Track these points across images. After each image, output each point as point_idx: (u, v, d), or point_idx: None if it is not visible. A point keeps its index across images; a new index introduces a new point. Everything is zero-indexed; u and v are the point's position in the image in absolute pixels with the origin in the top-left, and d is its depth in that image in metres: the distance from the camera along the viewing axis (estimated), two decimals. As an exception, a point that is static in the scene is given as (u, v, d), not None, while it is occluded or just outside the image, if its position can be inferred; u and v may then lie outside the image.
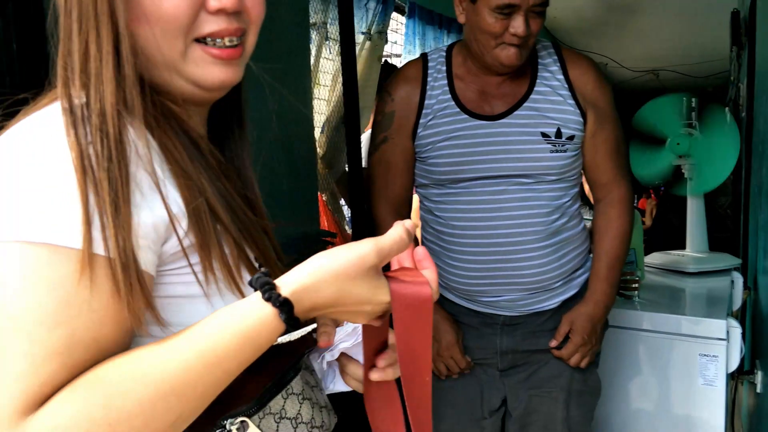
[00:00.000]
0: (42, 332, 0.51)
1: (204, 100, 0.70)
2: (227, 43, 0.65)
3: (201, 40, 0.64)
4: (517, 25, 1.37)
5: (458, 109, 1.50)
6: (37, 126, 0.57)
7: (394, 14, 3.30)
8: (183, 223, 0.60)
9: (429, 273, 0.64)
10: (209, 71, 0.65)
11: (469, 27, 1.46)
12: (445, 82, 1.54)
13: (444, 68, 1.55)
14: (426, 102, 1.53)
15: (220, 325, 0.56)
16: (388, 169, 1.58)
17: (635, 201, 3.94)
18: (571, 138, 1.48)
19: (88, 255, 0.53)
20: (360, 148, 2.27)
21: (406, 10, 3.21)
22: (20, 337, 0.51)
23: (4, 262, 0.52)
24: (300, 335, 0.61)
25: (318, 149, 2.32)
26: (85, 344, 0.53)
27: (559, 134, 1.47)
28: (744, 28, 3.38)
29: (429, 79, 1.55)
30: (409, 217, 1.70)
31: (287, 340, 0.59)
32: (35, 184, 0.53)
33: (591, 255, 1.63)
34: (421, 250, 0.66)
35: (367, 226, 2.20)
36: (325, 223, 2.39)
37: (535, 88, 1.49)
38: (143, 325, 0.58)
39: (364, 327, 0.68)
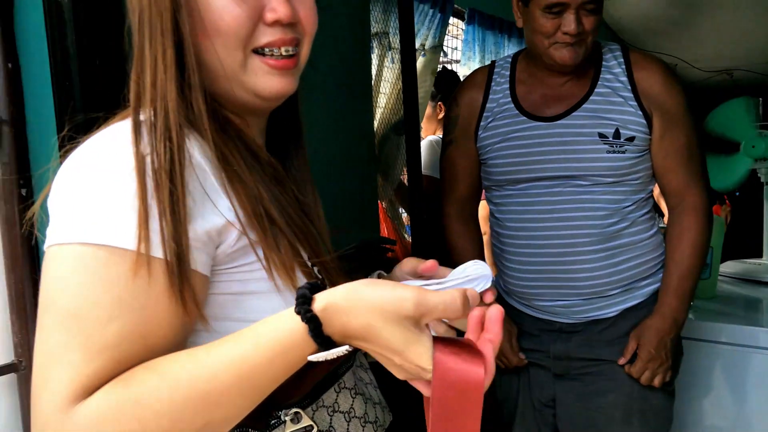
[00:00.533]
0: (97, 327, 0.55)
1: (261, 109, 0.73)
2: (283, 53, 0.68)
3: (259, 51, 0.67)
4: (568, 23, 1.38)
5: (517, 111, 1.53)
6: (105, 138, 0.61)
7: (454, 20, 3.30)
8: (238, 227, 0.63)
9: (487, 346, 0.58)
10: (267, 81, 0.68)
11: (526, 29, 1.49)
12: (507, 86, 1.57)
13: (507, 73, 1.59)
14: (487, 105, 1.58)
15: (254, 337, 0.57)
16: (454, 170, 1.65)
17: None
18: (631, 139, 1.45)
19: (142, 256, 0.56)
20: (420, 157, 2.27)
21: (466, 16, 3.20)
22: (77, 331, 0.55)
23: (66, 262, 0.57)
24: (336, 355, 0.57)
25: (377, 157, 2.34)
26: (134, 340, 0.57)
27: (617, 135, 1.45)
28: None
29: (492, 84, 1.60)
30: (475, 217, 1.70)
31: (322, 359, 0.57)
32: (97, 191, 0.57)
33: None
34: (495, 310, 0.60)
35: (426, 233, 2.21)
36: (385, 231, 2.40)
37: (596, 90, 1.49)
38: (197, 322, 0.62)
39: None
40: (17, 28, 0.95)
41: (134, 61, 0.66)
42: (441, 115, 2.87)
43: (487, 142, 1.55)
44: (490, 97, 1.58)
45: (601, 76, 1.50)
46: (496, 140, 1.54)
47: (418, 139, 2.31)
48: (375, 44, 2.34)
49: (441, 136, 2.79)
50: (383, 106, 2.40)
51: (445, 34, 2.93)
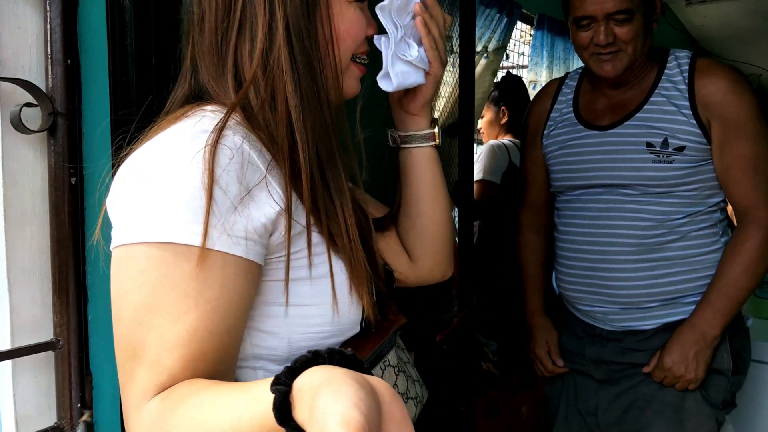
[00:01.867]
0: (167, 325, 0.59)
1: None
2: (365, 61, 0.80)
3: (355, 59, 0.78)
4: (597, 35, 1.40)
5: (576, 120, 1.57)
6: (162, 142, 0.65)
7: (523, 25, 3.25)
8: (299, 217, 0.68)
9: None
10: (355, 84, 0.79)
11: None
12: (572, 95, 1.61)
13: (575, 83, 1.64)
14: (551, 114, 1.64)
15: (240, 405, 0.54)
16: (526, 176, 1.75)
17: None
18: (680, 149, 1.41)
19: (204, 251, 0.59)
20: (473, 160, 2.26)
21: (535, 21, 3.14)
22: (149, 328, 0.59)
23: (133, 262, 0.60)
24: None
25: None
26: (203, 337, 0.60)
27: (665, 144, 1.42)
28: None
29: (560, 94, 1.65)
30: (547, 227, 1.73)
31: None
32: (157, 190, 0.61)
33: None
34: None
35: (472, 236, 2.20)
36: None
37: (651, 99, 1.47)
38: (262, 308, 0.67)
39: None
40: (80, 27, 1.01)
41: (210, 64, 0.73)
42: (504, 120, 2.84)
43: (549, 149, 1.61)
44: (555, 106, 1.63)
45: (659, 84, 1.47)
46: (555, 148, 1.59)
47: (472, 142, 2.30)
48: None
49: (503, 141, 2.79)
50: (440, 109, 2.40)
51: (510, 37, 2.90)
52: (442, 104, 2.39)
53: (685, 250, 1.45)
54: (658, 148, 1.42)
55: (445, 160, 2.38)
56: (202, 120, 0.66)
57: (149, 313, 0.59)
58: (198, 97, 0.74)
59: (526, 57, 3.37)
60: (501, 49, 2.76)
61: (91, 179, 1.06)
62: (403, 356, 0.85)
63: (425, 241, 0.93)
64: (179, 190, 0.60)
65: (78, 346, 1.03)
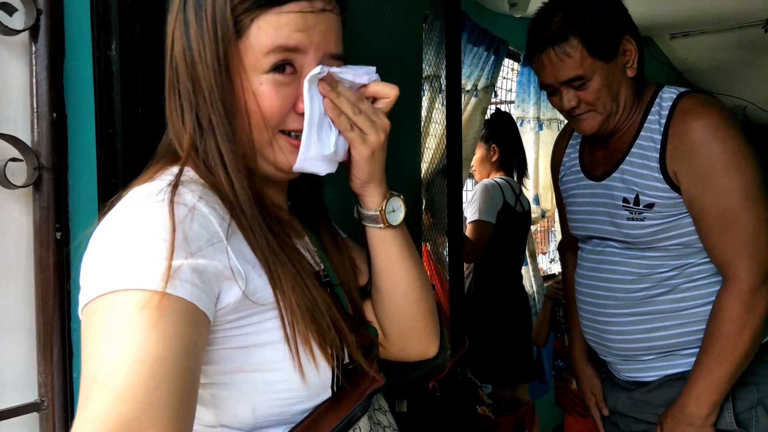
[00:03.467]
0: (119, 372, 0.56)
1: (282, 180, 0.81)
2: (297, 136, 0.76)
3: (285, 132, 0.75)
4: (560, 100, 1.39)
5: (579, 168, 1.55)
6: (142, 197, 0.66)
7: (509, 61, 3.28)
8: (251, 278, 0.67)
9: None
10: (290, 158, 0.75)
11: None
12: (580, 141, 1.58)
13: None
14: (564, 159, 1.63)
15: None
16: (559, 213, 1.79)
17: None
18: (650, 206, 1.34)
19: (155, 294, 0.59)
20: (461, 199, 2.25)
21: (522, 57, 3.18)
22: (104, 375, 0.56)
23: (95, 315, 0.59)
24: None
25: (423, 199, 2.33)
26: (157, 384, 0.56)
27: (637, 201, 1.36)
28: None
29: (572, 138, 1.61)
30: None
31: None
32: (120, 244, 0.61)
33: None
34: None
35: (463, 277, 2.16)
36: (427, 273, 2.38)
37: (631, 150, 1.40)
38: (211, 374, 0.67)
39: None
40: (66, 79, 1.00)
41: (172, 120, 0.76)
42: (495, 158, 2.85)
43: (563, 195, 1.64)
44: (567, 150, 1.62)
45: (640, 134, 1.39)
46: (566, 195, 1.61)
47: (460, 180, 2.29)
48: (426, 87, 2.36)
49: (495, 179, 2.79)
50: (432, 148, 2.40)
51: (498, 75, 2.93)
52: (433, 144, 2.39)
53: (677, 303, 1.38)
54: (631, 205, 1.37)
55: (438, 200, 2.38)
56: (162, 181, 0.68)
57: (103, 360, 0.57)
58: (173, 151, 0.76)
59: (513, 93, 3.40)
60: (490, 87, 2.79)
61: (77, 233, 1.04)
62: (384, 420, 0.81)
63: (392, 320, 0.90)
64: (138, 239, 0.61)
65: (63, 406, 0.99)
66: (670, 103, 1.36)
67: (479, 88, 2.77)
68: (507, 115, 3.03)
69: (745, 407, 1.36)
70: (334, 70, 0.74)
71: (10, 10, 0.91)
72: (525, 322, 2.83)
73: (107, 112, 1.06)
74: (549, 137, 3.38)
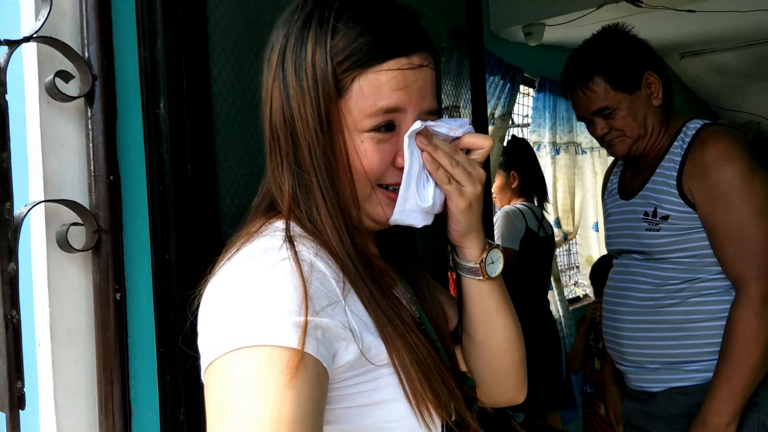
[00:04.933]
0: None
1: (375, 230, 0.82)
2: (396, 189, 0.78)
3: (383, 186, 0.77)
4: (595, 128, 1.58)
5: (616, 189, 1.70)
6: (260, 251, 0.67)
7: (525, 87, 3.31)
8: (365, 336, 0.68)
9: None
10: (388, 211, 0.77)
11: None
12: (622, 167, 1.74)
13: None
14: (608, 185, 1.78)
15: None
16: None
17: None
18: (665, 218, 1.48)
19: (297, 352, 0.59)
20: (492, 228, 2.26)
21: (537, 84, 3.21)
22: None
23: (226, 372, 0.59)
24: None
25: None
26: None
27: (655, 214, 1.50)
28: None
29: (616, 165, 1.78)
30: None
31: None
32: (244, 299, 0.62)
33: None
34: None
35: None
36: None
37: (657, 170, 1.54)
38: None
39: None
40: (119, 141, 1.01)
41: (275, 176, 0.77)
42: (515, 185, 2.86)
43: (604, 215, 1.77)
44: (611, 177, 1.77)
45: (666, 156, 1.53)
46: (605, 215, 1.76)
47: (491, 209, 2.30)
48: (446, 117, 2.38)
49: (517, 206, 2.79)
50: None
51: (514, 102, 2.95)
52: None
53: (685, 315, 1.46)
54: (650, 217, 1.50)
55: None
56: (274, 236, 0.69)
57: (243, 422, 0.57)
58: (271, 207, 0.78)
59: (528, 118, 3.42)
60: (507, 115, 2.81)
61: (133, 293, 1.04)
62: None
63: (485, 369, 0.89)
64: (267, 294, 0.61)
65: (126, 466, 0.99)
66: (694, 132, 1.51)
67: (496, 116, 2.79)
68: (524, 141, 3.05)
69: (748, 429, 1.43)
70: (430, 123, 0.75)
71: (66, 77, 0.93)
72: (555, 348, 2.81)
73: (158, 169, 1.07)
74: (566, 161, 3.39)
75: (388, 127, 0.72)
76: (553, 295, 3.22)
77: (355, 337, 0.66)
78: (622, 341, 1.56)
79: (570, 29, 3.00)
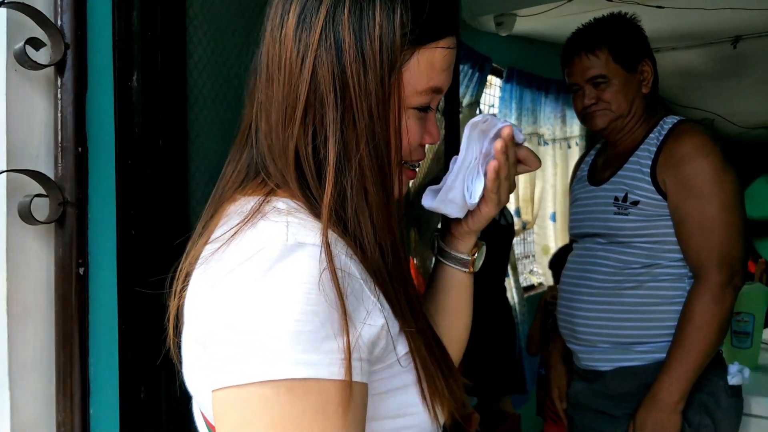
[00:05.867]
0: None
1: None
2: (417, 167, 0.75)
3: (404, 164, 0.72)
4: (584, 98, 1.62)
5: (585, 176, 1.75)
6: (266, 256, 0.56)
7: (492, 77, 3.33)
8: (392, 327, 0.62)
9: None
10: (404, 189, 0.74)
11: None
12: (594, 156, 1.79)
13: (600, 146, 1.81)
14: (577, 173, 1.83)
15: None
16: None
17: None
18: (635, 203, 1.53)
19: (345, 383, 0.54)
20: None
21: (504, 74, 3.23)
22: None
23: (250, 404, 0.53)
24: None
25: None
26: None
27: (625, 198, 1.55)
28: None
29: (588, 156, 1.83)
30: None
31: None
32: (289, 312, 0.54)
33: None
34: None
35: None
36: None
37: (630, 159, 1.59)
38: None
39: None
40: (88, 112, 0.98)
41: (288, 151, 0.65)
42: (477, 172, 2.88)
43: (570, 201, 1.82)
44: (582, 166, 1.82)
45: (641, 146, 1.59)
46: (571, 200, 1.80)
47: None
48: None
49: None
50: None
51: (482, 92, 2.96)
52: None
53: (642, 298, 1.54)
54: (620, 202, 1.56)
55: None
56: (290, 228, 0.59)
57: None
58: (257, 171, 0.69)
59: (495, 108, 3.45)
60: (475, 104, 2.82)
61: (97, 269, 1.02)
62: None
63: None
64: (308, 318, 0.54)
65: (83, 445, 0.98)
66: (670, 126, 1.58)
67: (464, 105, 2.80)
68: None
69: (692, 409, 1.52)
70: (515, 128, 0.74)
71: (37, 44, 0.89)
72: (510, 334, 2.87)
73: (127, 143, 1.05)
74: (529, 151, 3.43)
75: (429, 106, 0.70)
76: (509, 283, 3.27)
77: (392, 337, 0.62)
78: (577, 320, 1.61)
79: (540, 21, 3.02)
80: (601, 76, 1.57)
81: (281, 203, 0.63)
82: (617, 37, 1.60)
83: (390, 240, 0.65)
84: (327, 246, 0.57)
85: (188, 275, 0.65)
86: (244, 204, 0.64)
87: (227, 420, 0.54)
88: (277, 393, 0.52)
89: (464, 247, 0.84)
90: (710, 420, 1.52)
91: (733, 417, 1.57)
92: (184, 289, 0.65)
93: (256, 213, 0.61)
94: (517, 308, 3.30)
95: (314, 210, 0.63)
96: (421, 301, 0.71)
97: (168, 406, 1.11)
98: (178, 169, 1.11)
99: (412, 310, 0.66)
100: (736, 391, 1.58)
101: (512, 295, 3.31)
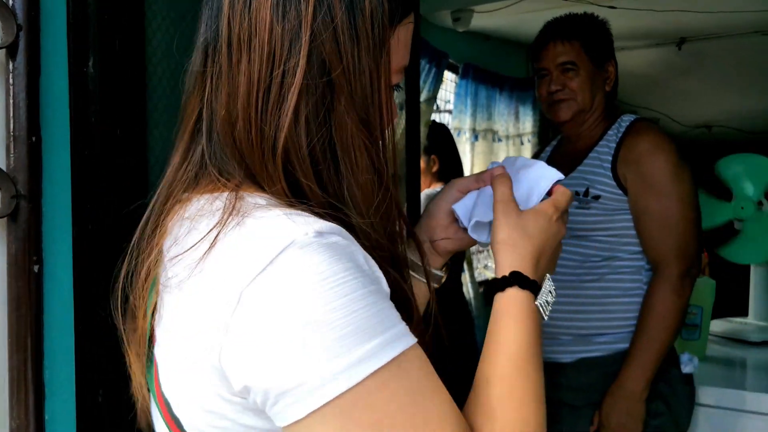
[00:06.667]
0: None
1: None
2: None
3: None
4: (550, 83, 1.63)
5: None
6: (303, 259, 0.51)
7: (447, 73, 3.34)
8: None
9: None
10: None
11: None
12: (549, 154, 1.81)
13: (556, 143, 1.82)
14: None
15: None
16: None
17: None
18: (596, 197, 1.56)
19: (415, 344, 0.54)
20: (419, 209, 2.27)
21: (460, 70, 3.24)
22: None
23: (380, 396, 0.51)
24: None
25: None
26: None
27: (586, 193, 1.58)
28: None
29: (543, 153, 1.84)
30: None
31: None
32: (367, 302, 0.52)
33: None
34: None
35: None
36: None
37: (590, 154, 1.62)
38: None
39: None
40: (42, 99, 0.92)
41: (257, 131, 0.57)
42: (435, 169, 2.88)
43: None
44: (541, 155, 1.84)
45: (599, 143, 1.63)
46: None
47: (419, 190, 2.32)
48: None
49: (436, 189, 2.82)
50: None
51: (439, 87, 2.97)
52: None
53: (602, 290, 1.58)
54: (581, 196, 1.58)
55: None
56: (296, 219, 0.53)
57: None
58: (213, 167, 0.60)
59: (450, 104, 3.46)
60: (432, 99, 2.82)
61: (52, 266, 0.96)
62: None
63: None
64: (370, 300, 0.51)
65: (39, 453, 0.92)
66: (628, 123, 1.63)
67: (422, 100, 2.79)
68: (444, 127, 3.07)
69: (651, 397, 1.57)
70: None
71: (-14, 25, 0.83)
72: (467, 329, 2.89)
73: (83, 132, 0.99)
74: (483, 147, 3.47)
75: (399, 85, 0.65)
76: (465, 278, 3.29)
77: None
78: None
79: (496, 17, 3.05)
80: (571, 62, 1.61)
81: (259, 199, 0.57)
82: (590, 32, 1.66)
83: (391, 227, 0.62)
84: (340, 233, 0.54)
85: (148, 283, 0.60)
86: (206, 203, 0.58)
87: (359, 426, 0.50)
88: (393, 372, 0.51)
89: (439, 263, 0.83)
90: (666, 407, 1.57)
91: (687, 404, 1.63)
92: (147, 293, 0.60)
93: (232, 211, 0.54)
94: (473, 303, 3.32)
95: (292, 204, 0.57)
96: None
97: (128, 410, 1.06)
98: (137, 160, 1.05)
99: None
100: (689, 380, 1.65)
101: (467, 290, 3.33)
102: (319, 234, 0.52)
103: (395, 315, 0.53)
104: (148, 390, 0.66)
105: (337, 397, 0.49)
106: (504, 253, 0.70)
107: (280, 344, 0.49)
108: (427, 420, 0.52)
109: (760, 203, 2.38)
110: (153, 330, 0.61)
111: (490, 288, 0.70)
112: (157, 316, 0.59)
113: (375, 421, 0.50)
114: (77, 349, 1.01)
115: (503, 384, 0.63)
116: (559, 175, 0.76)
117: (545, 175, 0.77)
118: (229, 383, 0.52)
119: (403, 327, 0.53)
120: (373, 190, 0.59)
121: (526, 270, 0.70)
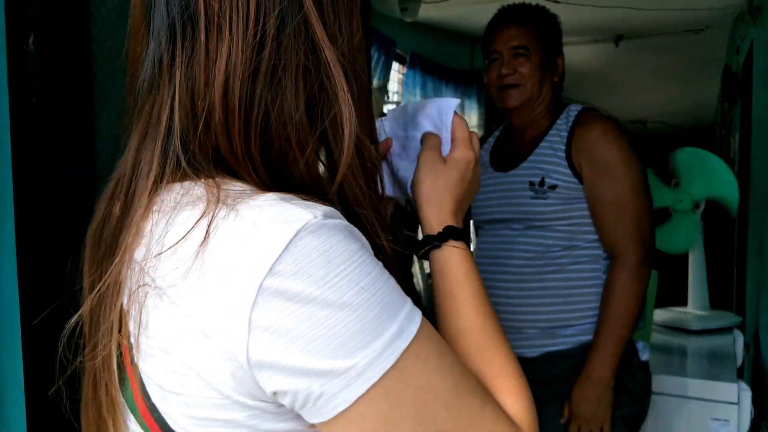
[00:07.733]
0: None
1: None
2: None
3: None
4: (501, 67, 1.64)
5: (488, 161, 1.75)
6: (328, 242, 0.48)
7: (395, 64, 3.33)
8: None
9: None
10: None
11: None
12: (493, 142, 1.80)
13: (498, 133, 1.82)
14: (480, 154, 1.83)
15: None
16: None
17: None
18: (553, 187, 1.57)
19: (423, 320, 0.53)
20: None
21: (408, 60, 3.24)
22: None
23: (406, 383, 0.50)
24: None
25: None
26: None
27: (542, 183, 1.58)
28: (737, 84, 3.45)
29: (486, 143, 1.82)
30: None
31: None
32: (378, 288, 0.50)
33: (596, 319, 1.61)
34: None
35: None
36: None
37: (541, 144, 1.62)
38: None
39: None
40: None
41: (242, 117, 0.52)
42: (384, 159, 2.87)
43: None
44: (484, 146, 1.81)
45: (549, 133, 1.64)
46: None
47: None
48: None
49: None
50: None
51: (389, 75, 2.96)
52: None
53: (564, 281, 1.58)
54: (536, 186, 1.58)
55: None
56: (296, 204, 0.49)
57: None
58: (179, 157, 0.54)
59: (399, 95, 3.46)
60: (383, 88, 2.81)
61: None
62: None
63: None
64: (385, 281, 0.51)
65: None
66: (576, 112, 1.64)
67: (373, 88, 2.78)
68: (393, 117, 3.07)
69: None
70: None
71: None
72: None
73: (24, 116, 0.92)
74: (431, 139, 3.47)
75: None
76: (415, 270, 3.30)
77: None
78: (499, 308, 1.60)
79: (443, 9, 3.06)
80: (524, 47, 1.62)
81: (238, 186, 0.52)
82: (543, 22, 1.67)
83: (383, 208, 0.60)
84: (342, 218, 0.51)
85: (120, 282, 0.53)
86: (180, 194, 0.52)
87: (404, 404, 0.50)
88: (420, 341, 0.51)
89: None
90: (628, 396, 1.59)
91: (647, 391, 1.65)
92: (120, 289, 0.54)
93: (218, 200, 0.49)
94: (423, 294, 3.34)
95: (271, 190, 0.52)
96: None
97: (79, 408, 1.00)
98: (82, 143, 0.99)
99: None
100: (646, 368, 1.67)
101: (418, 281, 3.34)
102: (327, 216, 0.49)
103: (399, 286, 0.53)
104: (130, 410, 0.57)
105: (383, 376, 0.48)
106: (430, 208, 0.71)
107: (319, 332, 0.46)
108: (455, 375, 0.54)
109: (697, 205, 2.48)
110: (122, 345, 0.55)
111: (423, 245, 0.70)
112: (133, 327, 0.53)
113: (416, 393, 0.50)
114: (25, 346, 0.95)
115: (481, 333, 0.67)
116: (456, 100, 0.76)
117: (443, 108, 0.75)
118: (253, 384, 0.48)
119: (411, 306, 0.53)
120: (367, 176, 0.58)
121: (456, 222, 0.71)
